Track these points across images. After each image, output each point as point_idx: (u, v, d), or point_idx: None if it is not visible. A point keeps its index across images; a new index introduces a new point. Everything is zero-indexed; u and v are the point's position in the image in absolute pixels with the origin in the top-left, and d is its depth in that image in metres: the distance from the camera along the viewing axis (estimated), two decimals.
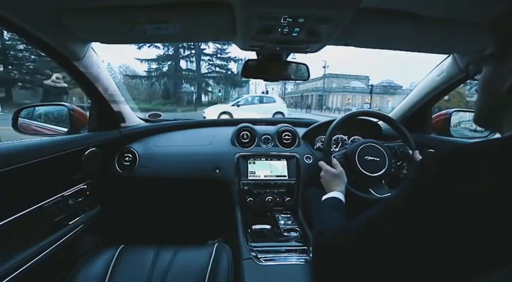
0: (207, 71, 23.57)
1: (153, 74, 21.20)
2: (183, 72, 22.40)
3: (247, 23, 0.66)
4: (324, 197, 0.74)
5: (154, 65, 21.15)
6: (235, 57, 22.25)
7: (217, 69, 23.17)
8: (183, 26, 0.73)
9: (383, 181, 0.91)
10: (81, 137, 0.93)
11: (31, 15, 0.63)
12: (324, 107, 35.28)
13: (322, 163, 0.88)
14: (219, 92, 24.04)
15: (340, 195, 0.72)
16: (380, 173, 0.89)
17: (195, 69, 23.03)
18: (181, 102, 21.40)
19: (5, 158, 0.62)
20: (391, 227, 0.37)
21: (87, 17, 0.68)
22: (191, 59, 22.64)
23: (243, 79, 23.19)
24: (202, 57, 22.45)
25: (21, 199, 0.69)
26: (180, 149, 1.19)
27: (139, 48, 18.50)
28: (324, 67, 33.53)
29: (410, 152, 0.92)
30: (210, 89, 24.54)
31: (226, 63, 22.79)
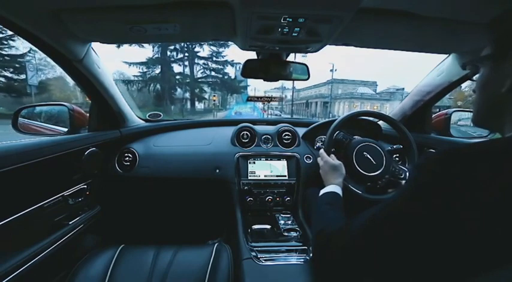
0: (201, 75, 21.00)
1: (141, 79, 18.38)
2: (176, 77, 19.61)
3: (247, 23, 0.66)
4: (321, 192, 0.74)
5: (143, 69, 18.29)
6: (232, 60, 19.80)
7: (213, 73, 20.42)
8: (183, 26, 0.73)
9: (378, 182, 0.91)
10: (81, 137, 0.93)
11: (31, 15, 0.63)
12: (330, 115, 31.67)
13: (322, 152, 0.88)
14: (214, 102, 21.03)
15: (337, 189, 0.73)
16: (375, 173, 0.89)
17: (188, 73, 20.80)
18: (174, 109, 19.58)
19: (5, 158, 0.62)
20: (391, 227, 0.37)
21: (87, 17, 0.68)
22: (185, 63, 20.33)
23: (241, 84, 21.52)
24: (196, 61, 20.29)
25: (21, 199, 0.69)
26: (180, 149, 1.19)
27: (118, 46, 15.34)
28: (332, 71, 28.24)
29: (411, 164, 0.92)
30: (206, 96, 22.26)
31: (222, 67, 20.08)
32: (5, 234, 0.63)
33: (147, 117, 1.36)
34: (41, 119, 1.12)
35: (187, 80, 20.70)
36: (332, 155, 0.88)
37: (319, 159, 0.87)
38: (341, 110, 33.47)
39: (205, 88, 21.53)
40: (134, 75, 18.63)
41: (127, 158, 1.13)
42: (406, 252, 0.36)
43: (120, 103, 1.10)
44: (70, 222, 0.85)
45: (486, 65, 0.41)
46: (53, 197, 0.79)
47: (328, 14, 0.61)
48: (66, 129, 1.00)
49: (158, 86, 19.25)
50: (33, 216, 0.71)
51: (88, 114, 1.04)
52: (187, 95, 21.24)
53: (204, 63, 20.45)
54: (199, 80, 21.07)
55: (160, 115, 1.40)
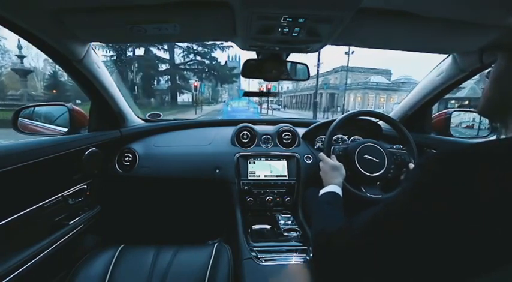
0: (183, 60, 16.18)
1: (107, 65, 13.70)
2: (152, 62, 14.85)
3: (247, 23, 0.66)
4: (321, 192, 0.74)
5: (110, 52, 14.11)
6: (221, 43, 15.29)
7: (198, 58, 16.01)
8: (183, 26, 0.73)
9: (377, 182, 0.92)
10: (81, 137, 0.93)
11: (31, 15, 0.63)
12: (339, 108, 25.24)
13: (322, 155, 0.89)
14: (195, 90, 15.31)
15: (337, 189, 0.73)
16: (377, 174, 0.89)
17: (167, 58, 15.92)
18: (153, 103, 15.45)
19: (5, 158, 0.62)
20: (391, 227, 0.37)
21: (87, 17, 0.68)
22: (164, 46, 15.63)
23: (233, 72, 17.37)
24: (177, 43, 15.12)
25: (21, 199, 0.69)
26: (180, 149, 1.19)
27: None
28: (347, 54, 19.95)
29: (410, 164, 0.91)
30: (200, 87, 17.39)
31: (209, 50, 15.88)
32: (5, 234, 0.63)
33: (147, 117, 1.36)
34: (41, 119, 1.12)
35: (166, 66, 15.75)
36: (333, 156, 0.88)
37: (320, 162, 0.87)
38: (351, 103, 27.69)
39: (190, 76, 16.93)
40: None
41: (127, 158, 1.13)
42: (406, 252, 0.36)
43: (120, 103, 1.10)
44: (70, 222, 0.85)
45: (505, 55, 0.39)
46: (53, 197, 0.79)
47: (328, 14, 0.61)
48: (66, 129, 1.00)
49: (128, 74, 14.78)
50: (33, 216, 0.71)
51: (88, 114, 1.04)
52: (167, 84, 16.35)
53: (187, 46, 15.96)
54: (181, 66, 16.31)
55: (160, 115, 1.40)
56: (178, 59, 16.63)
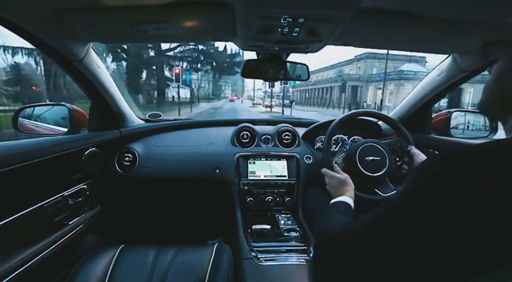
0: (172, 46, 12.73)
1: None
2: (127, 48, 11.38)
3: (247, 23, 0.66)
4: (332, 201, 0.72)
5: None
6: None
7: (190, 44, 12.59)
8: (183, 26, 0.73)
9: (386, 179, 0.91)
10: (81, 137, 0.93)
11: (31, 15, 0.63)
12: (364, 104, 21.41)
13: (325, 170, 0.84)
14: (177, 79, 10.78)
15: (349, 201, 0.70)
16: (382, 172, 0.89)
17: (150, 44, 11.65)
18: (135, 100, 11.97)
19: (5, 158, 0.62)
20: (391, 227, 0.37)
21: (87, 17, 0.68)
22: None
23: (236, 60, 14.22)
24: None
25: (21, 199, 0.69)
26: (180, 149, 1.19)
27: None
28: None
29: (409, 147, 0.90)
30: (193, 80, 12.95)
31: None
32: (5, 234, 0.63)
33: (147, 117, 1.37)
34: (41, 119, 1.12)
35: (148, 54, 12.01)
36: (336, 168, 0.85)
37: (327, 180, 0.83)
38: (379, 97, 21.27)
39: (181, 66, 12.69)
40: None
41: (127, 158, 1.13)
42: (406, 252, 0.36)
43: (120, 103, 1.10)
44: (70, 222, 0.85)
45: (506, 55, 0.39)
46: (53, 197, 0.79)
47: (328, 14, 0.61)
48: (66, 129, 1.00)
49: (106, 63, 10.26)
50: (33, 216, 0.71)
51: (88, 114, 1.04)
52: (151, 76, 12.53)
53: None
54: (169, 52, 12.59)
55: (161, 115, 1.40)
56: (166, 44, 12.43)
